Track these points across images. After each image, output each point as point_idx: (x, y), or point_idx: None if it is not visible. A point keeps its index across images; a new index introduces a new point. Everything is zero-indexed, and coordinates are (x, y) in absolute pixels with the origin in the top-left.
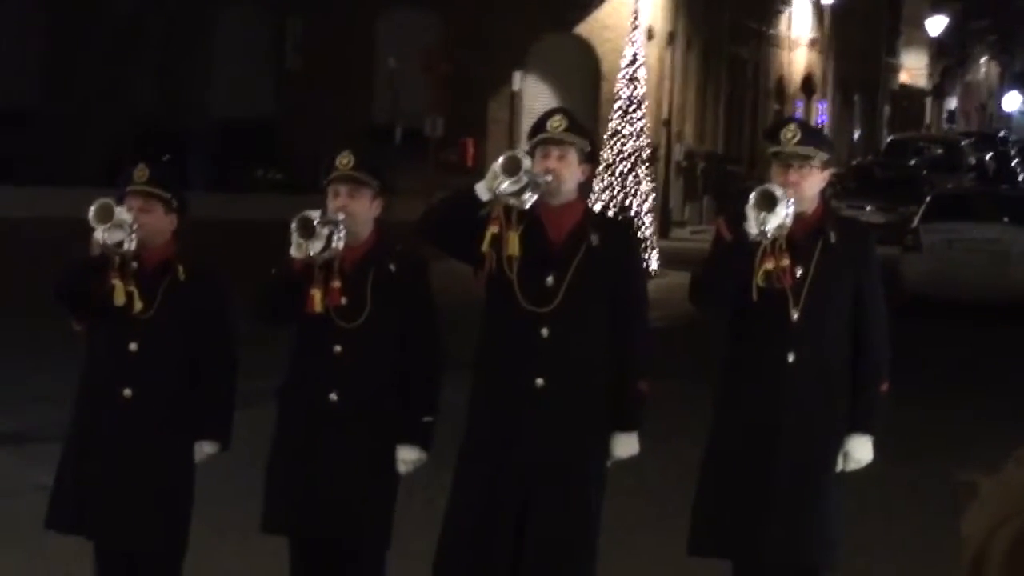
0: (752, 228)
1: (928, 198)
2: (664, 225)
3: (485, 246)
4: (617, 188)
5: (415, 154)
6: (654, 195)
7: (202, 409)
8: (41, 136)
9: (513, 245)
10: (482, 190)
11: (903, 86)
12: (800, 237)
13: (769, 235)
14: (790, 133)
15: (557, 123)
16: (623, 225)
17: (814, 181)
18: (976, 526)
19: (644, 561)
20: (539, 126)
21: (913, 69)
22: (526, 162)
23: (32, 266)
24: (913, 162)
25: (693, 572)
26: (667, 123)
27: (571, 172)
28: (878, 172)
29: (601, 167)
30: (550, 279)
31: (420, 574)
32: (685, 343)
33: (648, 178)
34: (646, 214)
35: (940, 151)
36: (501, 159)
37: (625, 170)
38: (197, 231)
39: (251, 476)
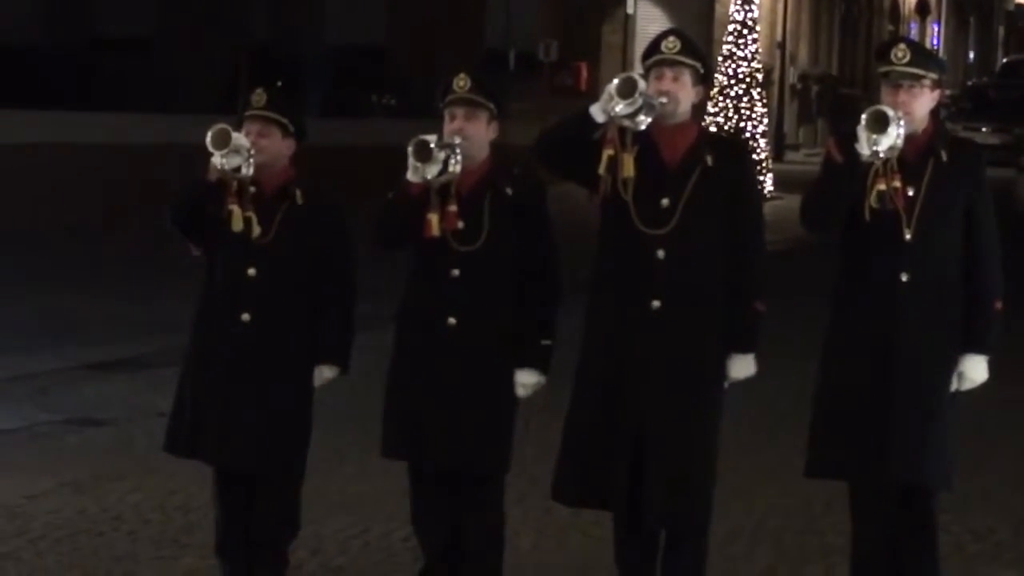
0: (864, 149)
1: None
2: (778, 148)
3: (601, 168)
4: (731, 111)
5: (529, 78)
6: (768, 118)
7: (321, 333)
8: (157, 63)
9: (628, 167)
10: (597, 112)
11: (1018, 6)
12: (911, 157)
13: (881, 155)
14: (900, 52)
15: (672, 44)
16: (739, 145)
17: (924, 101)
18: None
19: (761, 484)
20: (653, 47)
21: None
22: (641, 84)
23: (149, 192)
24: None
25: (810, 494)
26: (781, 45)
27: (686, 93)
28: (993, 94)
29: (715, 90)
30: (665, 201)
31: (538, 497)
32: (800, 266)
33: (761, 101)
34: (760, 137)
35: None
36: (616, 81)
37: (739, 93)
38: (312, 157)
39: (371, 400)
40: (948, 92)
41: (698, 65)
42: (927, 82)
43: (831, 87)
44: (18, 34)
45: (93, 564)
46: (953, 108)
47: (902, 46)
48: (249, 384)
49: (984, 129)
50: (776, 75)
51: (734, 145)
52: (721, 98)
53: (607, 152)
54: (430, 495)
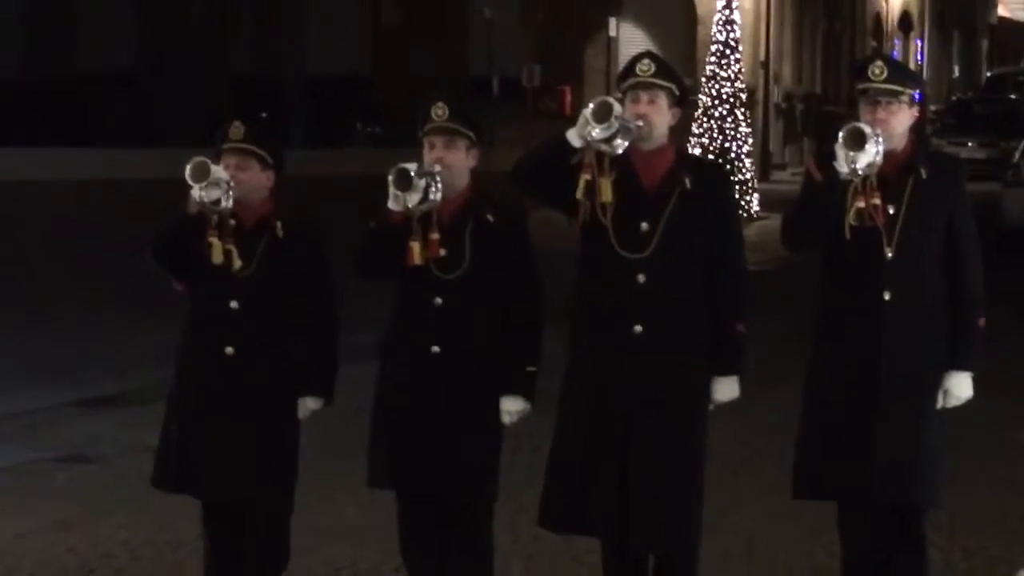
0: (842, 167)
1: None
2: (764, 168)
3: (579, 194)
4: (716, 132)
5: (513, 104)
6: (753, 138)
7: (304, 365)
8: (140, 98)
9: (606, 192)
10: (573, 137)
11: (1001, 20)
12: (891, 174)
13: (860, 173)
14: (877, 70)
15: (646, 67)
16: (716, 167)
17: (903, 118)
18: None
19: (750, 505)
20: (628, 71)
21: (1011, 3)
22: (617, 108)
23: (133, 227)
24: (1013, 97)
25: (797, 514)
26: (764, 65)
27: (662, 116)
28: (978, 108)
29: (699, 111)
30: (644, 225)
31: (528, 525)
32: (788, 285)
33: (746, 121)
34: (745, 157)
35: None
36: (591, 105)
37: (723, 113)
38: (297, 187)
39: (362, 430)
40: (933, 107)
41: (673, 87)
42: (905, 98)
43: (816, 105)
44: (3, 72)
45: None
46: (938, 123)
47: (879, 63)
48: (234, 417)
49: (970, 144)
50: (760, 95)
51: (712, 167)
52: (705, 119)
53: (584, 177)
54: (419, 524)
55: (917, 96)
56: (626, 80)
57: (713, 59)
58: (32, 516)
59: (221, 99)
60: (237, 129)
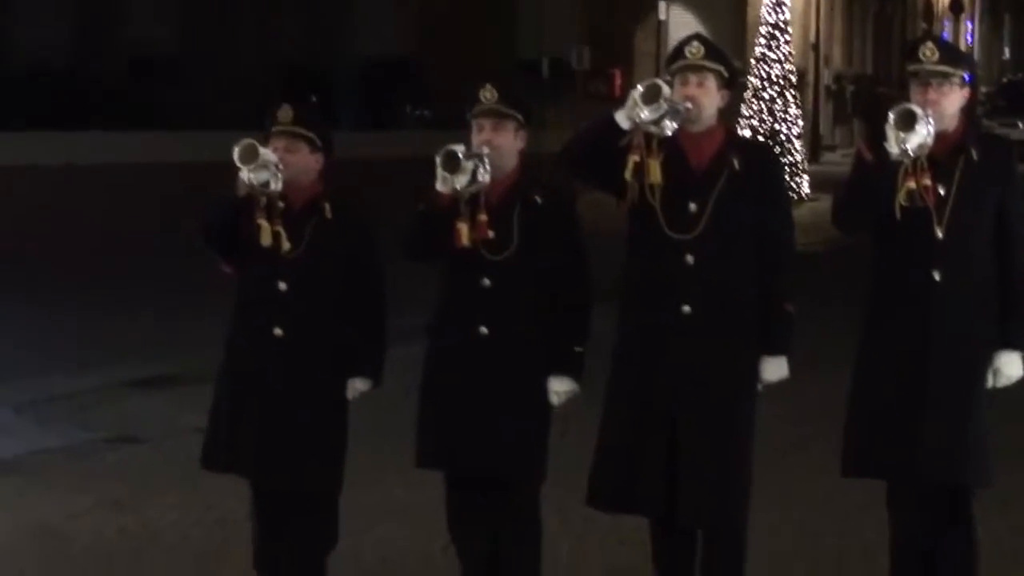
0: (893, 147)
1: None
2: (814, 149)
3: (627, 174)
4: (765, 114)
5: (562, 86)
6: (803, 120)
7: (353, 346)
8: (187, 81)
9: (655, 173)
10: (622, 119)
11: None
12: (942, 155)
13: (911, 154)
14: (928, 51)
15: (695, 50)
16: (765, 148)
17: (954, 99)
18: None
19: (797, 484)
20: (677, 54)
21: None
22: (665, 90)
23: (182, 210)
24: None
25: (847, 493)
26: (815, 47)
27: (710, 98)
28: None
29: (748, 93)
30: (693, 206)
31: (576, 505)
32: (838, 267)
33: (796, 103)
34: (795, 139)
35: None
36: (640, 87)
37: (773, 95)
38: (346, 170)
39: (406, 411)
40: (984, 89)
41: (722, 69)
42: (956, 80)
43: (866, 87)
44: (50, 56)
45: None
46: (988, 105)
47: (930, 44)
48: (282, 398)
49: (1020, 125)
50: (810, 76)
51: (761, 148)
52: (755, 101)
53: (633, 158)
54: (467, 504)
55: (968, 77)
56: (675, 62)
57: (762, 41)
58: (83, 496)
59: (266, 82)
60: (286, 112)
